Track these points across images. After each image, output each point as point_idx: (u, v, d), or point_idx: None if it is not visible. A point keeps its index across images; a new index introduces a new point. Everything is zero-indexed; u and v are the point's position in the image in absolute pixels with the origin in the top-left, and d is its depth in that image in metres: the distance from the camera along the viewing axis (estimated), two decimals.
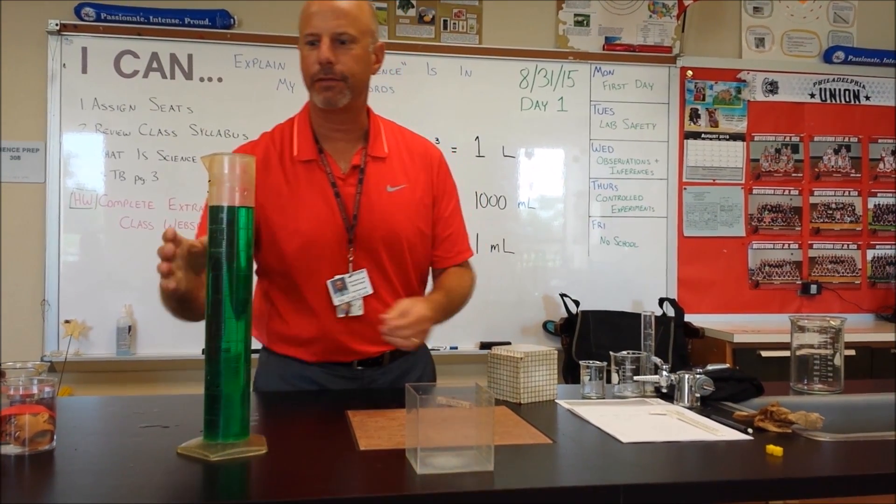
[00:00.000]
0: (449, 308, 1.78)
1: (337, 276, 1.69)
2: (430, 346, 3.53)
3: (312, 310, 1.70)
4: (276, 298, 1.74)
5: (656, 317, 1.86)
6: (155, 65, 3.47)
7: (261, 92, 3.52)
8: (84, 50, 3.42)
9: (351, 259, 1.69)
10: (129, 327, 3.36)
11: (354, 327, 1.71)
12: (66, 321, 3.36)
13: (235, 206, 1.22)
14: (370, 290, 1.71)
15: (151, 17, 3.45)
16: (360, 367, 1.77)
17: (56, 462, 1.18)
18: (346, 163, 1.71)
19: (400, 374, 1.82)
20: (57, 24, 3.38)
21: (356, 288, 1.70)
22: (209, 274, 1.23)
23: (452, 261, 1.87)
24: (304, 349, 1.74)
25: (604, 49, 3.85)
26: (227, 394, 1.22)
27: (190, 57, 3.49)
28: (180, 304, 1.48)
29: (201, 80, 3.50)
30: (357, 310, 1.70)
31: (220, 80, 3.51)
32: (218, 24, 3.50)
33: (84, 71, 3.42)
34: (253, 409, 1.58)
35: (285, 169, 1.70)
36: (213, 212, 1.22)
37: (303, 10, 1.65)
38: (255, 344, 1.39)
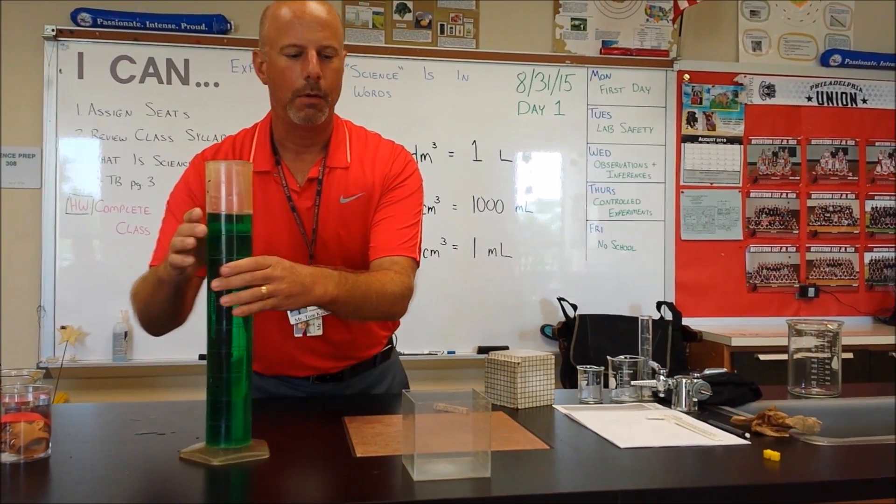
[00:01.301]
0: (345, 284, 1.42)
1: None
2: (428, 351, 3.56)
3: (265, 325, 1.56)
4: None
5: (654, 320, 1.86)
6: (151, 70, 3.46)
7: (257, 97, 3.44)
8: (80, 55, 3.41)
9: None
10: (126, 333, 3.35)
11: (310, 343, 1.64)
12: (62, 327, 3.35)
13: (234, 212, 1.22)
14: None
15: (148, 23, 3.45)
16: (316, 382, 1.73)
17: (51, 470, 1.18)
18: (302, 175, 1.61)
19: (364, 389, 1.77)
20: (53, 30, 3.37)
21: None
22: (210, 281, 1.22)
23: (380, 251, 1.59)
24: (257, 362, 1.63)
25: (601, 53, 3.85)
26: (232, 400, 1.22)
27: (186, 62, 3.49)
28: (175, 293, 1.41)
29: (198, 85, 3.50)
30: (315, 329, 1.61)
31: (216, 84, 3.50)
32: (214, 29, 3.50)
33: (80, 76, 3.41)
34: None
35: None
36: (213, 219, 1.22)
37: (274, 16, 1.54)
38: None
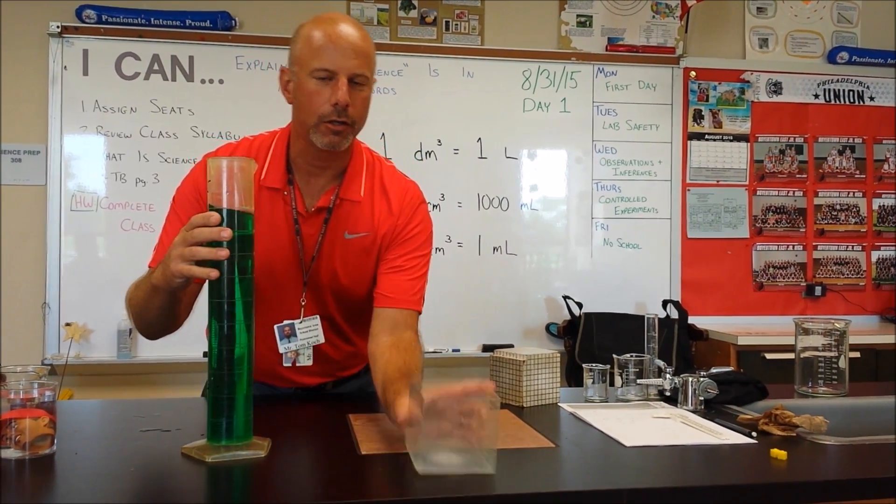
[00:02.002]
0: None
1: (286, 322, 1.58)
2: (432, 349, 3.55)
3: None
4: None
5: (660, 319, 1.85)
6: (156, 67, 3.46)
7: (262, 93, 3.50)
8: (85, 52, 3.42)
9: (303, 303, 1.59)
10: (130, 330, 3.35)
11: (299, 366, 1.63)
12: (67, 324, 3.35)
13: (235, 209, 1.21)
14: (322, 340, 1.61)
15: (152, 19, 3.45)
16: (298, 391, 1.71)
17: (56, 466, 1.17)
18: (312, 200, 1.56)
19: (358, 388, 1.77)
20: (58, 27, 3.37)
21: (306, 335, 1.59)
22: (214, 280, 1.21)
23: (390, 302, 1.55)
24: None
25: (606, 50, 3.84)
26: (234, 397, 1.22)
27: (191, 59, 3.49)
28: (170, 300, 1.36)
29: (202, 81, 3.49)
30: (306, 360, 1.60)
31: (221, 81, 3.50)
32: (219, 26, 3.50)
33: (85, 73, 3.42)
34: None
35: (258, 191, 1.49)
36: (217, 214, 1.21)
37: (308, 36, 1.47)
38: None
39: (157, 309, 1.39)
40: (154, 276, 1.32)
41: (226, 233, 1.18)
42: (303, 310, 1.59)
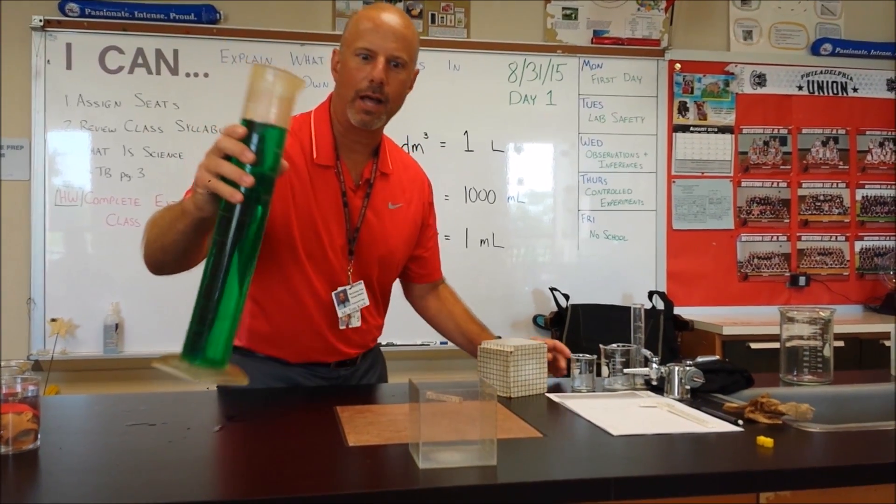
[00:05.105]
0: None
1: (340, 288, 1.69)
2: (420, 342, 3.55)
3: (308, 313, 1.68)
4: (262, 298, 1.68)
5: (646, 310, 1.86)
6: (140, 60, 3.44)
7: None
8: (68, 46, 3.38)
9: (350, 271, 1.71)
10: (116, 325, 3.33)
11: (346, 332, 1.73)
12: (53, 319, 3.33)
13: (270, 123, 1.12)
14: (367, 302, 1.73)
15: (136, 13, 3.42)
16: (336, 368, 1.78)
17: (40, 461, 1.16)
18: (357, 174, 1.71)
19: (364, 372, 1.85)
20: (41, 20, 3.34)
21: (356, 300, 1.72)
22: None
23: (430, 277, 1.94)
24: (288, 350, 1.72)
25: (592, 42, 3.85)
26: (224, 305, 1.12)
27: (175, 52, 3.46)
28: (195, 229, 1.30)
29: (187, 75, 3.47)
30: (356, 321, 1.73)
31: (206, 75, 3.48)
32: (203, 19, 3.47)
33: (69, 67, 3.39)
34: (235, 405, 1.57)
35: (309, 169, 1.65)
36: (247, 126, 1.13)
37: (357, 19, 1.63)
38: None
39: (178, 233, 1.33)
40: (185, 201, 1.28)
41: (247, 155, 1.12)
42: (350, 276, 1.70)
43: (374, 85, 1.59)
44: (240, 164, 1.13)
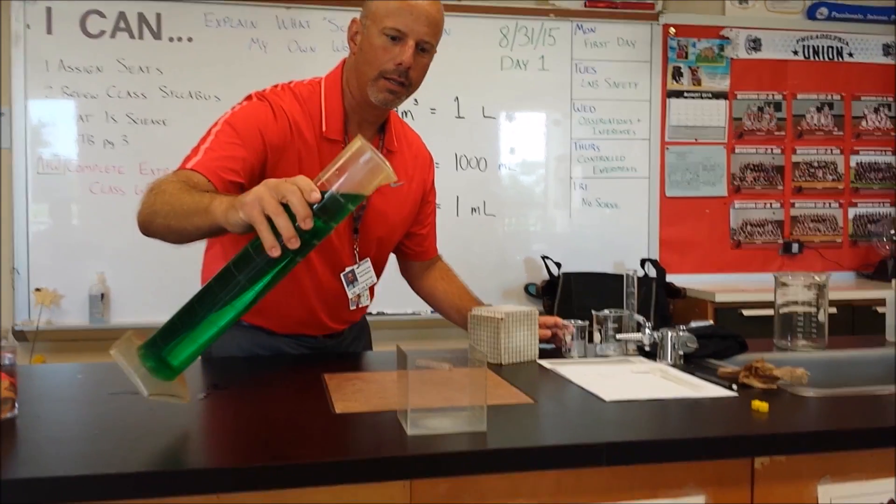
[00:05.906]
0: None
1: (347, 269, 1.67)
2: (411, 311, 3.51)
3: (303, 290, 1.64)
4: None
5: (638, 278, 1.83)
6: (122, 24, 3.35)
7: (232, 52, 3.42)
8: (48, 10, 3.30)
9: (356, 249, 1.68)
10: (102, 295, 3.29)
11: (338, 310, 1.71)
12: (37, 289, 3.28)
13: (344, 206, 1.08)
14: (375, 279, 1.72)
15: None
16: (325, 339, 1.77)
17: (18, 430, 1.13)
18: None
19: (351, 341, 1.84)
20: None
21: (364, 278, 1.70)
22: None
23: (427, 255, 1.92)
24: (276, 321, 1.69)
25: (585, 6, 3.77)
26: (209, 320, 1.10)
27: (158, 16, 3.38)
28: (212, 231, 1.26)
29: (171, 40, 3.39)
30: (365, 300, 1.72)
31: (189, 39, 3.40)
32: None
33: (49, 32, 3.30)
34: (219, 373, 1.54)
35: (317, 142, 1.60)
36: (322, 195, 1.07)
37: None
38: None
39: (193, 226, 1.27)
40: (216, 203, 1.20)
41: (308, 223, 1.05)
42: (357, 255, 1.68)
43: (401, 69, 1.53)
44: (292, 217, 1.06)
